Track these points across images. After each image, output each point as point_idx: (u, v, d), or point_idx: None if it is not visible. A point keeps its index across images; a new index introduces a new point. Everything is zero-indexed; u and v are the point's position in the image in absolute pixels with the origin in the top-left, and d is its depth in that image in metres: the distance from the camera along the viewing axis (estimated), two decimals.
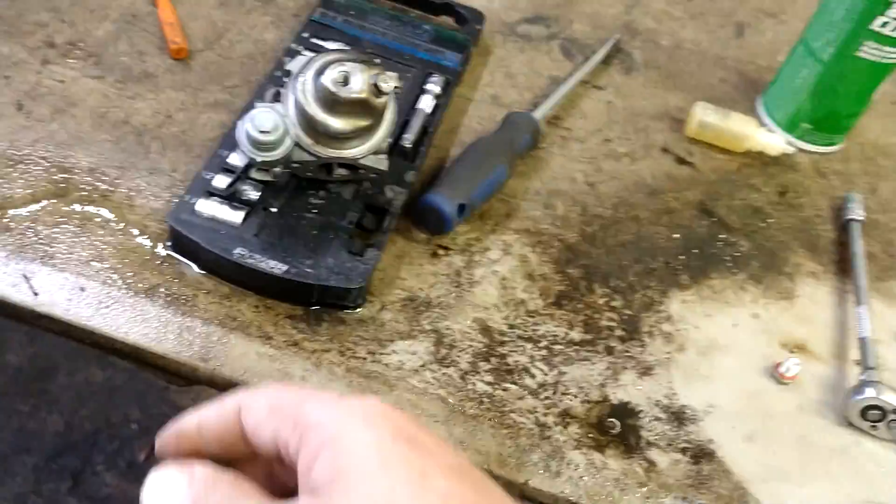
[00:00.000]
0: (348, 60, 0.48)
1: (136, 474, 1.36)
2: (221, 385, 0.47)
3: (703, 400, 0.52)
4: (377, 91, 0.47)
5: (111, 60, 0.61)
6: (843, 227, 0.64)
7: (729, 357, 0.55)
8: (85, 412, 1.43)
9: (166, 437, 0.32)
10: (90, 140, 0.56)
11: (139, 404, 1.45)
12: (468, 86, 0.68)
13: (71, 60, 0.61)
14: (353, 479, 0.26)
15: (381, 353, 0.50)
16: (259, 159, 0.48)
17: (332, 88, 0.47)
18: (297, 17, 0.69)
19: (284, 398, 0.30)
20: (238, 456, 0.31)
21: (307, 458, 0.28)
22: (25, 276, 0.48)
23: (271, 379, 0.47)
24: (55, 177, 0.53)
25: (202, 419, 0.31)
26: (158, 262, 0.51)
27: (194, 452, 0.31)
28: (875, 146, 0.73)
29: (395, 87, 0.52)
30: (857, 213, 0.64)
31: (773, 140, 0.68)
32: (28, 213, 0.51)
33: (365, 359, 0.49)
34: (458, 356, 0.51)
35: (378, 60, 0.50)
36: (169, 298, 0.49)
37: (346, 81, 0.47)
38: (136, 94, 0.60)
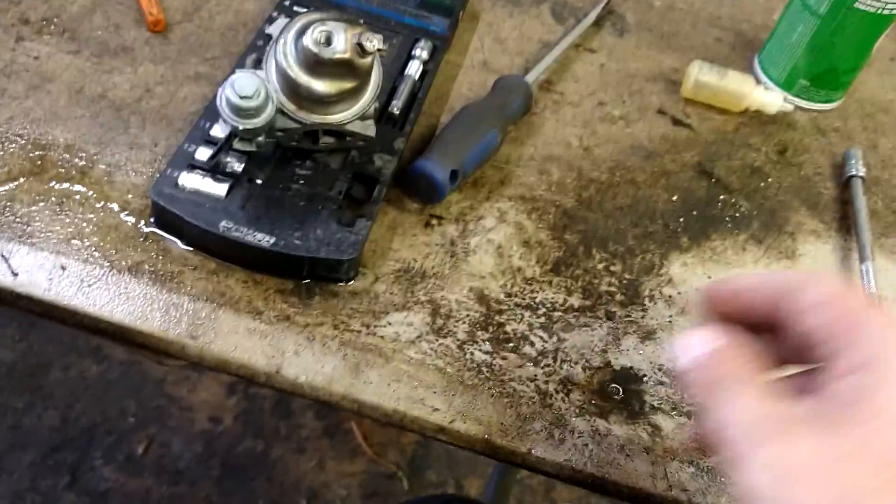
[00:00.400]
0: (330, 20, 0.46)
1: (135, 467, 1.35)
2: (211, 363, 0.46)
3: None
4: (361, 50, 0.46)
5: (86, 35, 0.59)
6: (844, 184, 0.63)
7: None
8: (81, 407, 1.42)
9: (708, 292, 0.36)
10: (67, 116, 0.54)
11: (135, 397, 1.44)
12: (457, 52, 0.67)
13: (45, 36, 0.59)
14: (882, 412, 0.28)
15: (377, 326, 0.48)
16: (241, 127, 0.46)
17: (315, 49, 0.45)
18: None
19: (846, 297, 0.32)
20: (748, 323, 0.35)
21: (844, 366, 0.30)
22: (3, 257, 0.46)
23: (262, 355, 0.46)
24: (32, 154, 0.51)
25: (743, 287, 0.35)
26: (142, 238, 0.49)
27: (722, 312, 0.36)
28: (874, 102, 0.72)
29: (380, 50, 0.50)
30: (858, 169, 0.62)
31: (771, 98, 0.66)
32: (4, 192, 0.49)
33: (360, 332, 0.48)
34: (455, 326, 0.49)
35: (361, 21, 0.48)
36: (154, 275, 0.47)
37: (328, 41, 0.45)
38: (113, 68, 0.58)
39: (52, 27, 0.59)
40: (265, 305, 0.47)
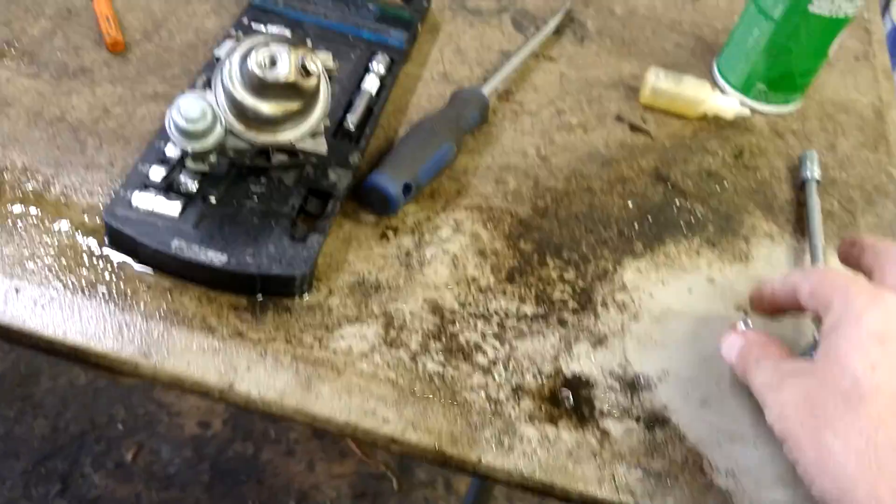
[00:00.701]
0: (274, 42, 0.46)
1: (125, 474, 1.36)
2: (165, 380, 0.47)
3: (657, 367, 0.51)
4: (305, 72, 0.46)
5: (46, 57, 0.60)
6: (800, 186, 0.64)
7: (683, 323, 0.54)
8: (70, 415, 1.43)
9: (751, 298, 0.52)
10: (24, 139, 0.55)
11: (124, 404, 1.45)
12: (417, 63, 0.67)
13: (6, 60, 0.59)
14: (834, 353, 0.41)
15: (329, 339, 0.49)
16: (190, 148, 0.47)
17: (258, 72, 0.46)
18: (240, 4, 0.68)
19: (832, 272, 0.46)
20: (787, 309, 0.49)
21: (826, 326, 0.43)
22: None
23: (215, 371, 0.46)
24: None
25: (774, 287, 0.49)
26: (96, 259, 0.50)
27: (763, 309, 0.51)
28: (833, 102, 0.73)
29: (329, 69, 0.51)
30: (812, 171, 0.63)
31: (727, 103, 0.67)
32: None
33: (312, 346, 0.48)
34: (409, 337, 0.50)
35: (308, 42, 0.49)
36: (108, 296, 0.48)
37: (272, 63, 0.46)
38: (71, 89, 0.58)
39: (13, 51, 0.60)
40: (218, 322, 0.48)
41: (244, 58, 0.46)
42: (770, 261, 0.59)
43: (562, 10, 0.74)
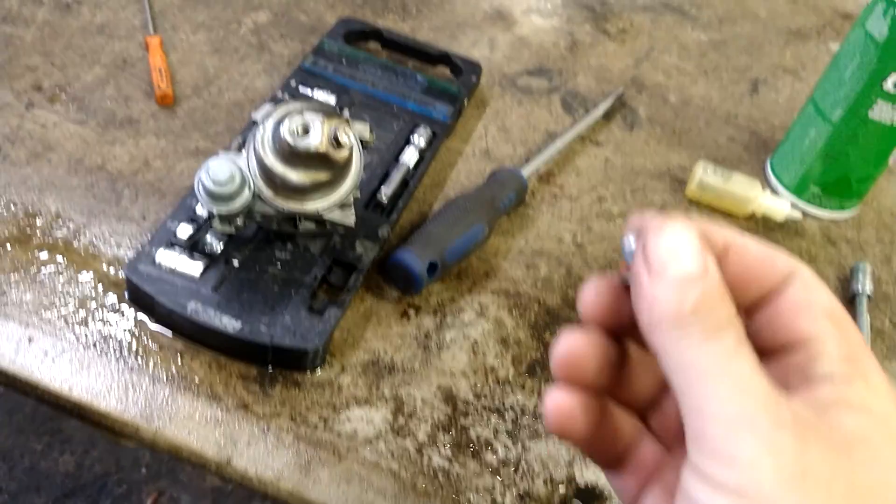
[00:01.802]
0: (309, 111, 0.46)
1: None
2: (163, 447, 0.45)
3: None
4: (337, 143, 0.46)
5: (96, 105, 0.61)
6: (850, 300, 0.60)
7: None
8: (96, 453, 1.43)
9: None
10: (62, 185, 0.55)
11: (150, 448, 1.44)
12: (460, 139, 0.67)
13: (56, 105, 0.60)
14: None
15: (335, 421, 0.47)
16: (216, 211, 0.47)
17: (290, 139, 0.45)
18: (291, 66, 0.69)
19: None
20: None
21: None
22: None
23: (214, 444, 0.45)
24: (21, 221, 0.52)
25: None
26: (113, 313, 0.49)
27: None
28: (892, 213, 0.69)
29: (365, 140, 0.50)
30: (864, 285, 0.60)
31: (778, 204, 0.64)
32: None
33: (317, 426, 0.47)
34: (417, 426, 0.48)
35: (346, 112, 0.48)
36: (119, 353, 0.47)
37: (304, 132, 0.45)
38: (115, 139, 0.59)
39: (64, 96, 0.61)
40: (225, 392, 0.47)
41: (278, 124, 0.46)
42: None
43: (613, 94, 0.73)
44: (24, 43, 0.64)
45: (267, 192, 0.48)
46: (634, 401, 0.31)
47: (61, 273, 0.50)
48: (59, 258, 0.51)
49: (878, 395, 0.24)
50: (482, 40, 0.77)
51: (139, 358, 0.47)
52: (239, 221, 0.49)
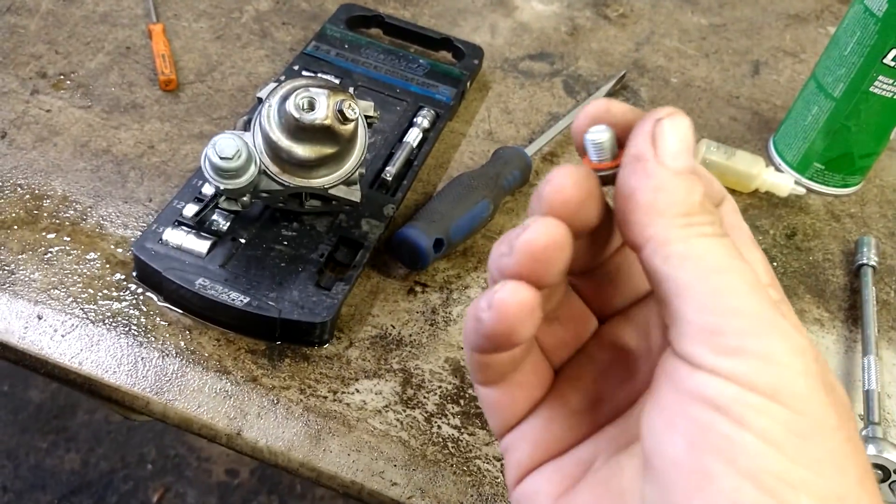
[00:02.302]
0: (314, 86, 0.46)
1: None
2: (174, 420, 0.45)
3: None
4: (342, 118, 0.46)
5: (100, 91, 0.61)
6: (854, 272, 0.60)
7: None
8: (102, 450, 1.43)
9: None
10: (68, 168, 0.55)
11: (156, 444, 1.45)
12: (463, 121, 0.67)
13: (61, 91, 0.61)
14: None
15: (344, 392, 0.47)
16: (223, 187, 0.47)
17: (296, 114, 0.45)
18: (293, 52, 0.69)
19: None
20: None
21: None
22: None
23: (225, 416, 0.45)
24: (28, 204, 0.53)
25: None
26: (122, 291, 0.49)
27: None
28: (895, 189, 0.69)
29: (370, 116, 0.51)
30: (869, 257, 0.60)
31: (782, 180, 0.64)
32: None
33: (326, 397, 0.47)
34: (426, 397, 0.48)
35: (352, 89, 0.49)
36: (128, 329, 0.48)
37: (310, 107, 0.46)
38: (120, 124, 0.59)
39: (69, 82, 0.61)
40: (234, 365, 0.47)
41: (283, 99, 0.46)
42: (819, 348, 0.55)
43: (615, 76, 0.73)
44: (29, 32, 0.65)
45: (273, 167, 0.48)
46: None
47: (69, 253, 0.51)
48: (67, 239, 0.51)
49: (791, 312, 0.25)
50: (483, 26, 0.77)
51: (148, 334, 0.48)
52: (245, 198, 0.49)
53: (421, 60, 0.68)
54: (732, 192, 0.65)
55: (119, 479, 1.39)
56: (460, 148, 0.64)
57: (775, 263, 0.61)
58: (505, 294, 0.23)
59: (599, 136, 0.25)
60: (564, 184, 0.24)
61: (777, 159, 0.69)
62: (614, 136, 0.26)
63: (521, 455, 0.27)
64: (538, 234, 0.23)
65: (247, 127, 0.51)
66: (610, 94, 0.71)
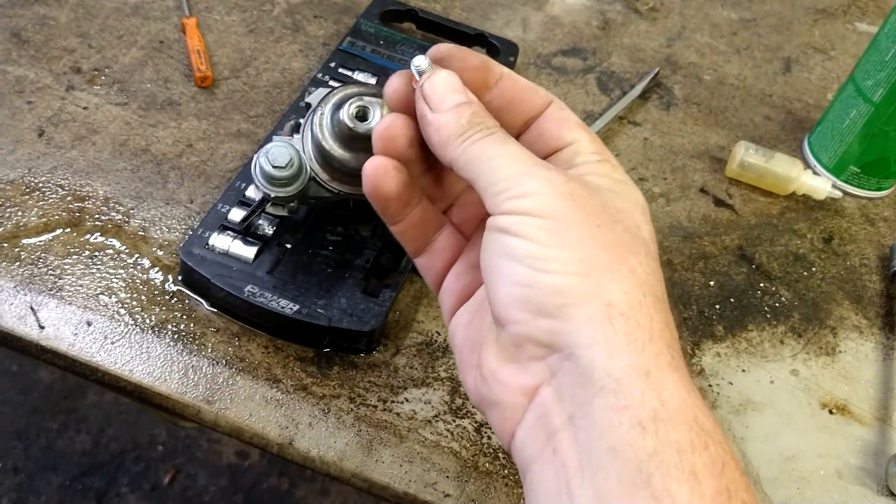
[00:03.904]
0: (367, 94, 0.46)
1: (160, 497, 1.35)
2: (225, 429, 0.45)
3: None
4: None
5: (136, 87, 0.61)
6: (890, 278, 0.61)
7: (764, 417, 0.51)
8: (112, 432, 1.43)
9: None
10: (108, 168, 0.55)
11: (166, 425, 1.45)
12: None
13: (96, 87, 0.60)
14: None
15: (394, 402, 0.47)
16: (273, 195, 0.47)
17: (350, 123, 0.45)
18: (327, 46, 0.68)
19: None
20: None
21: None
22: (32, 309, 0.47)
23: (276, 425, 0.45)
24: (71, 206, 0.52)
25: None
26: (168, 296, 0.49)
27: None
28: None
29: None
30: None
31: (819, 183, 0.64)
32: (40, 243, 0.50)
33: (376, 406, 0.47)
34: (475, 407, 0.48)
35: None
36: (177, 336, 0.47)
37: (363, 116, 0.45)
38: (158, 122, 0.59)
39: (104, 77, 0.61)
40: (283, 373, 0.47)
41: (336, 108, 0.46)
42: (858, 356, 0.56)
43: (650, 74, 0.72)
44: (59, 24, 0.64)
45: (323, 174, 0.47)
46: (440, 198, 0.39)
47: (115, 257, 0.50)
48: (112, 242, 0.51)
49: (617, 170, 0.35)
50: (514, 20, 0.76)
51: (196, 341, 0.47)
52: (293, 204, 0.49)
53: None
54: (769, 194, 0.65)
55: (130, 460, 1.40)
56: None
57: (813, 269, 0.61)
58: (367, 165, 0.36)
59: (420, 63, 0.35)
60: (395, 86, 0.36)
61: (813, 161, 0.68)
62: (430, 65, 0.35)
63: (447, 302, 0.38)
64: (381, 124, 0.36)
65: (295, 131, 0.50)
66: (644, 93, 0.71)
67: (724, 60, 0.78)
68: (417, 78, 0.35)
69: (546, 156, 0.35)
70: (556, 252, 0.30)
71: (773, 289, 0.59)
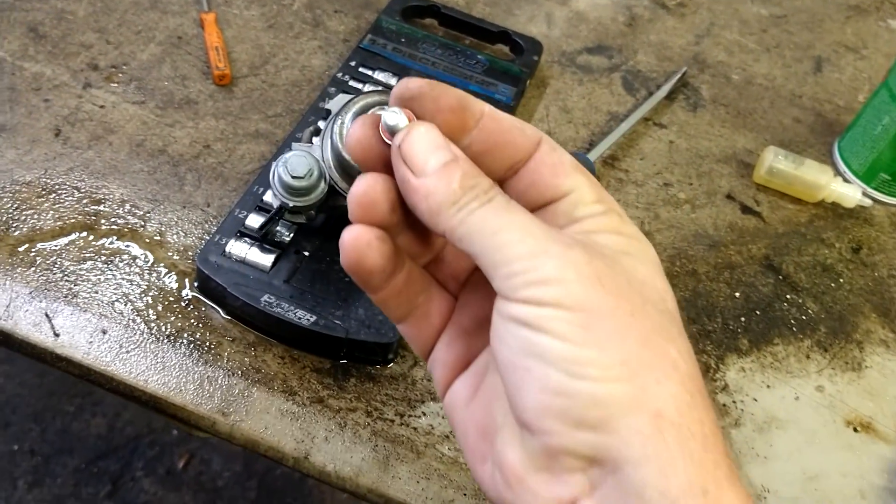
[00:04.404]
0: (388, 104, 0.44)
1: (174, 482, 1.36)
2: (240, 441, 0.45)
3: (757, 483, 0.47)
4: None
5: (153, 85, 0.60)
6: None
7: (788, 435, 0.50)
8: (128, 415, 1.44)
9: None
10: (125, 170, 0.54)
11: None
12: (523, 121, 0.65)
13: (113, 84, 0.59)
14: None
15: (411, 416, 0.47)
16: (291, 204, 0.46)
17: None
18: (347, 43, 0.67)
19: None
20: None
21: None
22: (48, 316, 0.46)
23: (292, 438, 0.45)
24: (87, 209, 0.52)
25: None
26: (184, 304, 0.48)
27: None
28: None
29: None
30: None
31: (849, 191, 0.62)
32: (56, 248, 0.49)
33: (393, 421, 0.46)
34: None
35: None
36: (192, 345, 0.47)
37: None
38: (175, 121, 0.58)
39: (121, 75, 0.60)
40: (300, 385, 0.46)
41: (356, 117, 0.44)
42: (884, 371, 0.54)
43: (677, 73, 0.71)
44: (77, 18, 0.63)
45: (342, 184, 0.46)
46: (421, 254, 0.33)
47: (131, 263, 0.50)
48: (128, 247, 0.50)
49: (626, 223, 0.30)
50: (539, 16, 0.75)
51: (212, 351, 0.47)
52: (311, 212, 0.48)
53: (479, 56, 0.65)
54: (797, 201, 0.64)
55: (145, 444, 1.41)
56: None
57: (841, 280, 0.59)
58: (344, 236, 0.30)
59: (393, 121, 0.29)
60: (359, 138, 0.31)
61: (842, 167, 0.67)
62: (404, 118, 0.29)
63: (439, 374, 0.33)
64: (356, 188, 0.30)
65: (314, 135, 0.50)
66: (670, 93, 0.69)
67: (754, 59, 0.76)
68: (390, 136, 0.30)
69: (541, 207, 0.31)
70: (594, 354, 0.26)
71: (800, 300, 0.57)
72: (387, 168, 0.30)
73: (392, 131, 0.29)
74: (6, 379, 1.44)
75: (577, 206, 0.30)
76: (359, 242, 0.30)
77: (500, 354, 0.28)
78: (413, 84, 0.30)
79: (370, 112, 0.44)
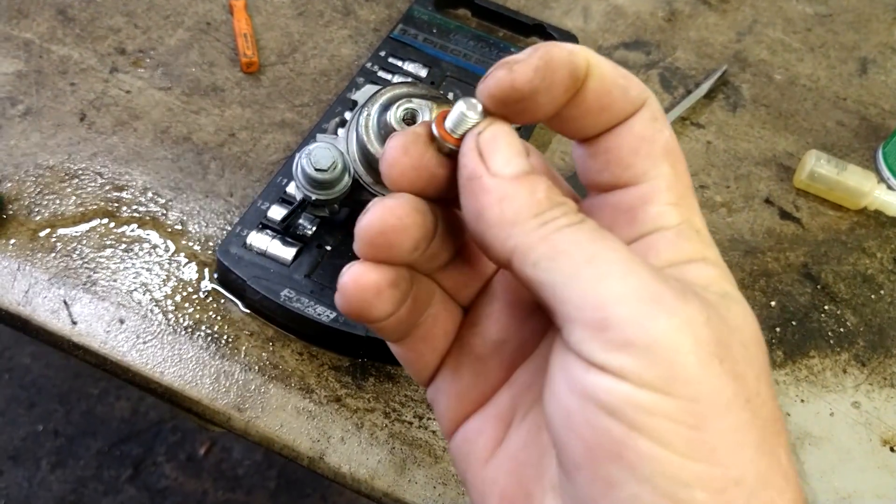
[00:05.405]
0: (417, 96, 0.43)
1: (195, 469, 1.36)
2: (255, 437, 0.44)
3: None
4: None
5: (180, 71, 0.59)
6: None
7: (822, 452, 0.48)
8: (151, 399, 1.45)
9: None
10: (148, 157, 0.53)
11: None
12: None
13: (140, 69, 0.58)
14: None
15: (429, 418, 0.45)
16: (314, 197, 0.45)
17: (397, 127, 0.42)
18: (377, 32, 0.65)
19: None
20: None
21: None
22: (66, 303, 0.46)
23: (308, 438, 0.43)
24: (109, 195, 0.51)
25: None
26: (203, 296, 0.47)
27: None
28: None
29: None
30: None
31: (893, 199, 0.60)
32: (76, 234, 0.49)
33: (411, 423, 0.45)
34: None
35: (451, 96, 0.46)
36: (210, 338, 0.46)
37: (412, 120, 0.43)
38: (200, 108, 0.57)
39: (148, 60, 0.59)
40: (317, 383, 0.45)
41: (383, 109, 0.43)
42: None
43: (717, 71, 0.68)
44: (106, 1, 0.62)
45: (367, 177, 0.45)
46: (429, 263, 0.26)
47: (151, 252, 0.49)
48: (149, 235, 0.49)
49: (705, 242, 0.23)
50: (575, 9, 0.73)
51: (230, 345, 0.46)
52: (335, 205, 0.47)
53: (512, 49, 0.64)
54: (839, 208, 0.61)
55: (167, 429, 1.41)
56: (551, 146, 0.61)
57: (882, 291, 0.57)
58: (346, 277, 0.24)
59: (471, 111, 0.24)
60: (397, 157, 0.23)
61: (886, 173, 0.64)
62: (483, 117, 0.24)
63: (444, 407, 0.27)
64: (372, 220, 0.23)
65: (340, 126, 0.48)
66: (710, 92, 0.67)
67: (797, 59, 0.73)
68: (450, 126, 0.24)
69: (598, 189, 0.25)
70: (704, 470, 0.19)
71: (839, 312, 0.55)
72: (424, 188, 0.24)
73: (459, 124, 0.24)
74: (32, 360, 1.45)
75: (644, 204, 0.23)
76: (364, 291, 0.23)
77: (565, 446, 0.21)
78: (532, 60, 0.23)
79: (398, 106, 0.42)
